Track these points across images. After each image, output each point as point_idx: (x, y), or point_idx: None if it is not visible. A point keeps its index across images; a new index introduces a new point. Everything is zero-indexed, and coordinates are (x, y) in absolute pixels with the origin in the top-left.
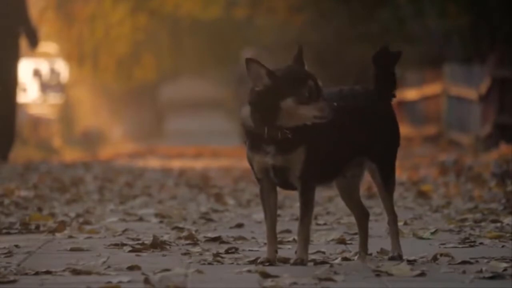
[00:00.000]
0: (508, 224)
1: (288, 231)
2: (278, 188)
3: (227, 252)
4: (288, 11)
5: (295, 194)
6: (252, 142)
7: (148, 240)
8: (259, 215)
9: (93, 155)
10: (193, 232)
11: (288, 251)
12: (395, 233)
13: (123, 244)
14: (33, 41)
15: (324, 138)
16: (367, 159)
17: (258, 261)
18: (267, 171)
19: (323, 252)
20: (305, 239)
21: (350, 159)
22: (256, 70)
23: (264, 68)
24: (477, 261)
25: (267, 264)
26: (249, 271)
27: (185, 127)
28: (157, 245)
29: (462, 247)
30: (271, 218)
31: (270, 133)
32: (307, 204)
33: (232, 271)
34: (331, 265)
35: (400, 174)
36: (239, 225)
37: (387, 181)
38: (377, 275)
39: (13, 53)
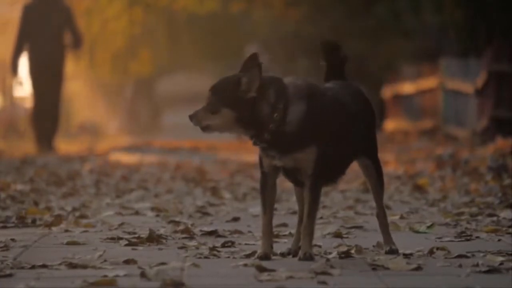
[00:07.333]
0: (504, 218)
1: (284, 225)
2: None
3: (223, 246)
4: (284, 5)
5: (291, 189)
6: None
7: (144, 234)
8: (255, 208)
9: (89, 149)
10: (189, 226)
11: (284, 245)
12: (386, 226)
13: (119, 238)
14: (77, 44)
15: (334, 136)
16: (363, 157)
17: (256, 256)
18: (276, 170)
19: (319, 246)
20: (310, 233)
21: (353, 158)
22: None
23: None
24: (473, 255)
25: (265, 258)
26: (245, 265)
27: (182, 121)
28: (153, 239)
29: (459, 241)
30: (269, 213)
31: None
32: (315, 201)
33: (228, 265)
34: (327, 259)
35: (397, 168)
36: (235, 219)
37: (380, 177)
38: (373, 269)
39: (61, 53)
